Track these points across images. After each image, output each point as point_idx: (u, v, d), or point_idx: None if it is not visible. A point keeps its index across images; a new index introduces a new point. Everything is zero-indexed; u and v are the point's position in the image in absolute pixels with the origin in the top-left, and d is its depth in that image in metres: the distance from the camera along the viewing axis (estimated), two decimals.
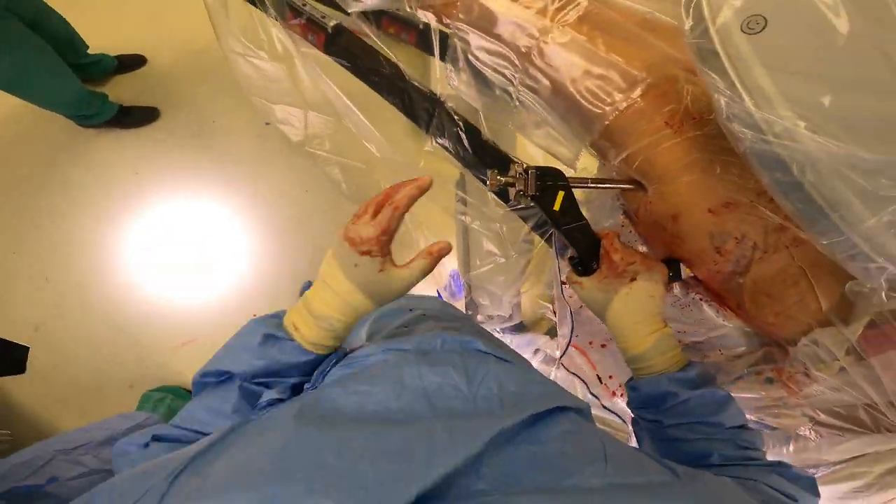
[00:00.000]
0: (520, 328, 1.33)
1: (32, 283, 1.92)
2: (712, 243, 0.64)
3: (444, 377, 0.45)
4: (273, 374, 0.53)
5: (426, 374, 0.45)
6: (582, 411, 0.46)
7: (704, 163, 0.61)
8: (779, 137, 0.40)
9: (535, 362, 1.28)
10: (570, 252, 0.70)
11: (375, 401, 0.41)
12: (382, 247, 0.53)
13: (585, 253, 0.66)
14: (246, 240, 1.99)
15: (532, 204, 0.63)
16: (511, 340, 1.35)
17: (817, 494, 0.50)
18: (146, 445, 0.46)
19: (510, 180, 0.61)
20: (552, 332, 1.37)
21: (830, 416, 0.72)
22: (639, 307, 0.62)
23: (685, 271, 0.73)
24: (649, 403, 0.61)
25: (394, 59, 0.86)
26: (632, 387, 0.64)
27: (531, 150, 0.95)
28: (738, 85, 0.42)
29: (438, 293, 1.64)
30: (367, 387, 0.42)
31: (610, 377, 0.94)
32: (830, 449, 0.75)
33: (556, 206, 0.62)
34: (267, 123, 2.01)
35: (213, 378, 0.52)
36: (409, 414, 0.40)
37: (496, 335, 1.44)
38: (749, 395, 0.80)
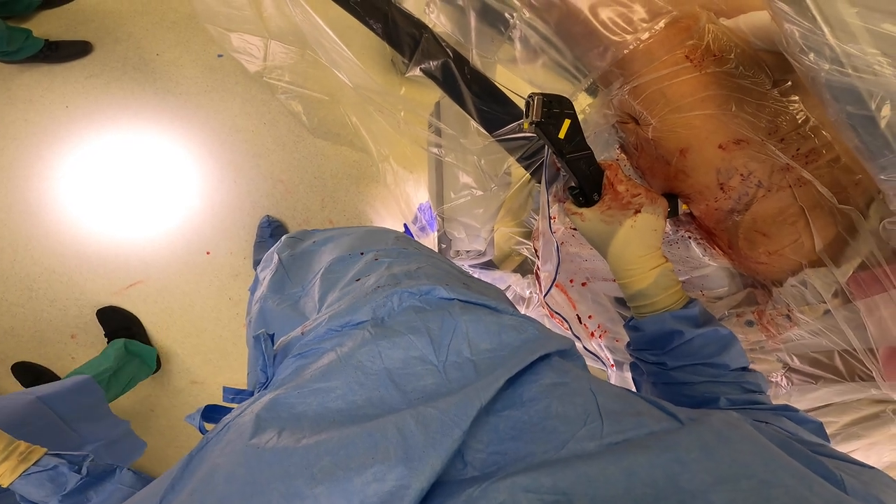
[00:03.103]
0: (489, 265, 1.31)
1: None
2: (717, 179, 0.63)
3: (406, 349, 0.42)
4: None
5: (386, 350, 0.41)
6: (566, 352, 0.43)
7: (721, 99, 0.60)
8: (858, 71, 0.41)
9: None
10: (569, 182, 0.67)
11: (337, 396, 0.38)
12: None
13: (587, 183, 0.63)
14: (198, 175, 1.79)
15: (534, 132, 0.59)
16: (480, 277, 1.34)
17: (827, 440, 0.47)
18: None
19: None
20: (521, 270, 1.35)
21: (806, 364, 0.73)
22: (643, 240, 0.58)
23: (681, 208, 0.71)
24: (653, 344, 0.59)
25: None
26: (633, 326, 0.61)
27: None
28: (819, 18, 0.42)
29: (406, 227, 1.58)
30: (325, 383, 0.39)
31: (590, 317, 0.94)
32: (801, 397, 0.76)
33: (562, 135, 0.58)
34: (220, 55, 1.81)
35: None
36: (377, 404, 0.37)
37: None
38: None
